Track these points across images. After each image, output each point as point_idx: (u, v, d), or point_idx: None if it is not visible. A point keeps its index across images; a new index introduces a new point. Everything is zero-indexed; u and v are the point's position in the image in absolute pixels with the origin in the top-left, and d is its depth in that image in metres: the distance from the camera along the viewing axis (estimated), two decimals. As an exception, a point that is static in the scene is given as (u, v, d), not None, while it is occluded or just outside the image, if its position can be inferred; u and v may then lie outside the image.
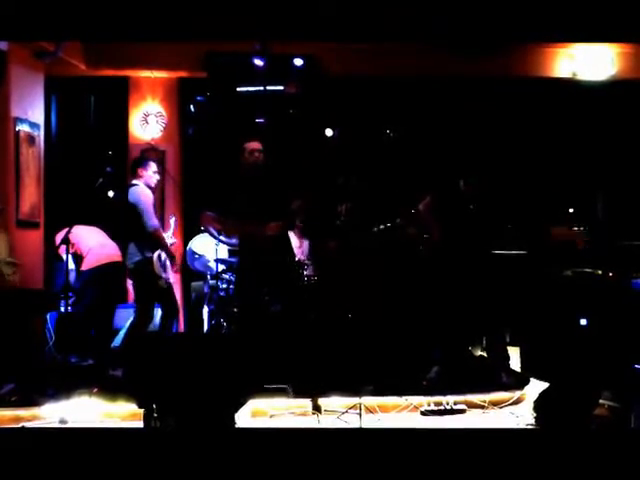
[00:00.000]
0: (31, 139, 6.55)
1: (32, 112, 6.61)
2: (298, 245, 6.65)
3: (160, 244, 5.81)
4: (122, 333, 6.49)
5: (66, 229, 5.71)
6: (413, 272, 6.39)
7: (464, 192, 5.78)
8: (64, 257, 5.71)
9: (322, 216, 7.03)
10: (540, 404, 4.68)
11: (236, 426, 3.96)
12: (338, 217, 6.85)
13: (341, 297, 6.21)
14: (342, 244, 6.67)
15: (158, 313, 6.15)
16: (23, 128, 6.43)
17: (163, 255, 5.82)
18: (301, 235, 6.78)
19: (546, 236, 5.46)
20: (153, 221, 5.76)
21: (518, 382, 5.40)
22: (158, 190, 7.26)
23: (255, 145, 5.73)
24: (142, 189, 5.82)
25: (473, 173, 5.88)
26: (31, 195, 6.53)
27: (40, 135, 6.74)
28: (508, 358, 5.67)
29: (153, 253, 5.74)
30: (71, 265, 6.36)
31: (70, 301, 6.15)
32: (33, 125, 6.60)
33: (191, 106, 7.89)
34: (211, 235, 6.57)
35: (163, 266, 5.81)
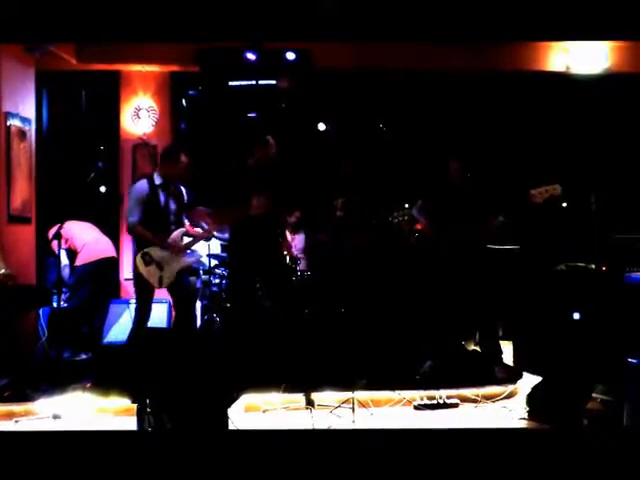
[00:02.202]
0: (22, 134, 6.51)
1: (23, 107, 6.57)
2: (289, 240, 6.64)
3: (142, 240, 5.47)
4: (115, 328, 6.47)
5: (58, 224, 5.68)
6: (406, 266, 6.39)
7: (452, 173, 5.74)
8: (57, 252, 5.69)
9: (317, 211, 7.02)
10: (533, 398, 4.69)
11: (229, 421, 3.96)
12: (334, 212, 6.81)
13: (334, 291, 6.22)
14: (335, 238, 6.65)
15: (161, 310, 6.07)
16: (14, 123, 6.40)
17: (155, 252, 5.43)
18: (292, 231, 6.78)
19: (525, 200, 5.37)
20: (132, 217, 5.45)
21: (511, 376, 5.41)
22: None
23: (274, 142, 5.80)
24: (138, 184, 5.60)
25: (458, 158, 5.82)
26: (22, 190, 6.49)
27: (31, 130, 6.70)
28: (501, 352, 5.68)
29: (138, 251, 5.45)
30: (65, 260, 6.34)
31: (64, 296, 6.13)
32: (24, 120, 6.56)
33: (183, 100, 7.86)
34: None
35: (158, 264, 5.41)
